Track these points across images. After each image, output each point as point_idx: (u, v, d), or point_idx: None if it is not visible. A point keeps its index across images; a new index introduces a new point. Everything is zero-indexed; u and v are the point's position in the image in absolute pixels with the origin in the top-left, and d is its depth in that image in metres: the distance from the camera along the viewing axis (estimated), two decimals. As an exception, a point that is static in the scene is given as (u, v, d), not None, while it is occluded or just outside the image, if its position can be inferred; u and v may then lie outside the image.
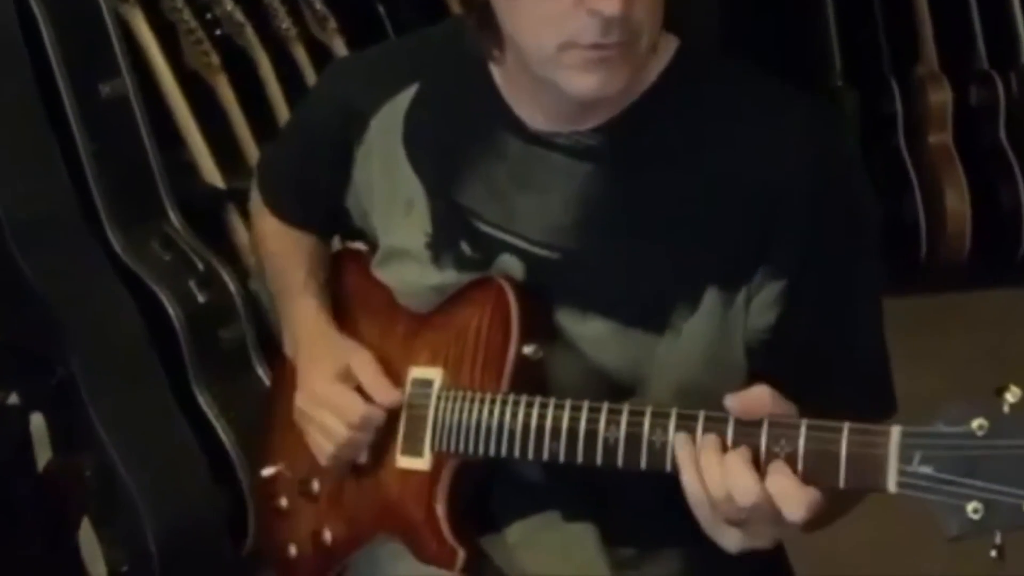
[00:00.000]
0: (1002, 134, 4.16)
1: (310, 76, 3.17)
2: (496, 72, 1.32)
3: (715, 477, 1.08)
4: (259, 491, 1.56)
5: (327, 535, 1.44)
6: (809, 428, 1.06)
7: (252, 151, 2.99)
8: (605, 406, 1.16)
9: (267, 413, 1.57)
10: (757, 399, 1.09)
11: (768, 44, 3.69)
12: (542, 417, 1.20)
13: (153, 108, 2.74)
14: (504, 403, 1.23)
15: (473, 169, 1.33)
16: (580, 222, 1.27)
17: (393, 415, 1.35)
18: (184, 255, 2.64)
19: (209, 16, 3.04)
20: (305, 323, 1.48)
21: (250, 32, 3.09)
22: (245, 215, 2.39)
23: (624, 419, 1.15)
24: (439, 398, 1.30)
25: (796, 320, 1.24)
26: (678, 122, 1.26)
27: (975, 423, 0.98)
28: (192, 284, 2.62)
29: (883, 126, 4.19)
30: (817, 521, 1.08)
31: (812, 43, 4.22)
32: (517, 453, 1.22)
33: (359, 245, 1.51)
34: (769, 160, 1.22)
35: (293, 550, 1.48)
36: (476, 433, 1.25)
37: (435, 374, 1.32)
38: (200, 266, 2.63)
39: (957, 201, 4.13)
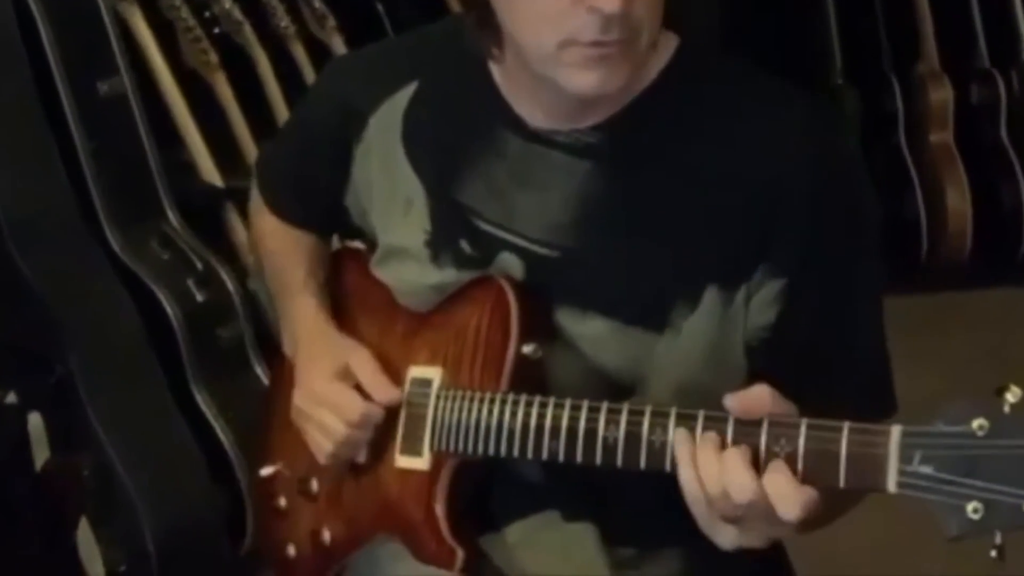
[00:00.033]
0: (1003, 133, 4.16)
1: (309, 74, 3.17)
2: (495, 70, 1.32)
3: (712, 473, 1.08)
4: (258, 490, 1.56)
5: (326, 535, 1.43)
6: (809, 428, 1.06)
7: (251, 150, 2.98)
8: (604, 405, 1.16)
9: (266, 412, 1.57)
10: (757, 398, 1.09)
11: (768, 42, 3.69)
12: (541, 416, 1.20)
13: (151, 107, 2.74)
14: (503, 402, 1.23)
15: (472, 167, 1.32)
16: (580, 220, 1.27)
17: (392, 414, 1.34)
18: (182, 254, 2.64)
19: (207, 14, 3.04)
20: (304, 322, 1.48)
21: (248, 30, 3.09)
22: (244, 214, 2.39)
23: (623, 418, 1.15)
24: (438, 397, 1.30)
25: (796, 319, 1.24)
26: (678, 120, 1.25)
27: (975, 423, 0.97)
28: (190, 283, 2.61)
29: (884, 124, 4.19)
30: (815, 521, 1.08)
31: (812, 41, 4.22)
32: (516, 452, 1.22)
33: (358, 244, 1.51)
34: (769, 158, 1.22)
35: (292, 550, 1.48)
36: (475, 432, 1.25)
37: (434, 373, 1.32)
38: (199, 265, 2.63)
39: (958, 200, 4.12)
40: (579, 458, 1.17)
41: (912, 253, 4.13)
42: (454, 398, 1.28)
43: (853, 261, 1.25)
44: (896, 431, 1.01)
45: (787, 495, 1.05)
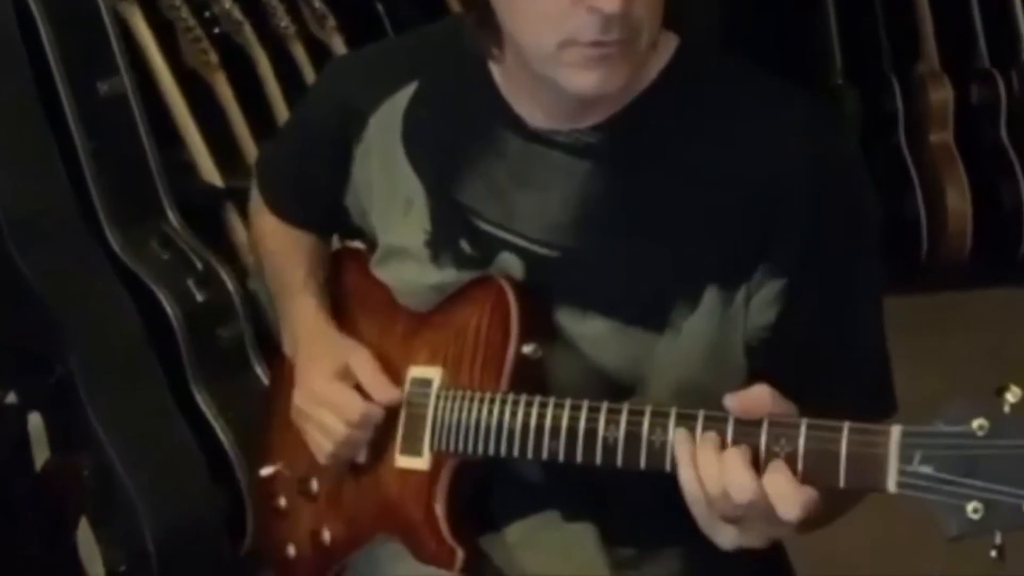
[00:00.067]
0: (1003, 133, 4.16)
1: (309, 74, 3.17)
2: (495, 70, 1.32)
3: (712, 473, 1.08)
4: (258, 490, 1.56)
5: (326, 535, 1.43)
6: (809, 428, 1.06)
7: (251, 150, 2.98)
8: (604, 405, 1.16)
9: (266, 412, 1.57)
10: (757, 398, 1.09)
11: (768, 42, 3.69)
12: (541, 416, 1.20)
13: (151, 107, 2.74)
14: (503, 402, 1.23)
15: (472, 167, 1.32)
16: (580, 220, 1.27)
17: (392, 414, 1.34)
18: (182, 254, 2.64)
19: (207, 14, 3.04)
20: (304, 322, 1.48)
21: (248, 30, 3.09)
22: (244, 214, 2.39)
23: (623, 418, 1.14)
24: (438, 397, 1.30)
25: (796, 319, 1.24)
26: (678, 120, 1.25)
27: (975, 423, 0.97)
28: (190, 283, 2.61)
29: (884, 124, 4.18)
30: (814, 521, 1.08)
31: (812, 41, 4.22)
32: (516, 452, 1.22)
33: (358, 244, 1.51)
34: (769, 158, 1.22)
35: (292, 550, 1.48)
36: (475, 432, 1.25)
37: (434, 373, 1.32)
38: (198, 265, 2.63)
39: (958, 200, 4.12)
40: (579, 458, 1.17)
41: (912, 253, 4.13)
42: (454, 398, 1.28)
43: (853, 261, 1.25)
44: (896, 431, 1.01)
45: (787, 495, 1.05)
